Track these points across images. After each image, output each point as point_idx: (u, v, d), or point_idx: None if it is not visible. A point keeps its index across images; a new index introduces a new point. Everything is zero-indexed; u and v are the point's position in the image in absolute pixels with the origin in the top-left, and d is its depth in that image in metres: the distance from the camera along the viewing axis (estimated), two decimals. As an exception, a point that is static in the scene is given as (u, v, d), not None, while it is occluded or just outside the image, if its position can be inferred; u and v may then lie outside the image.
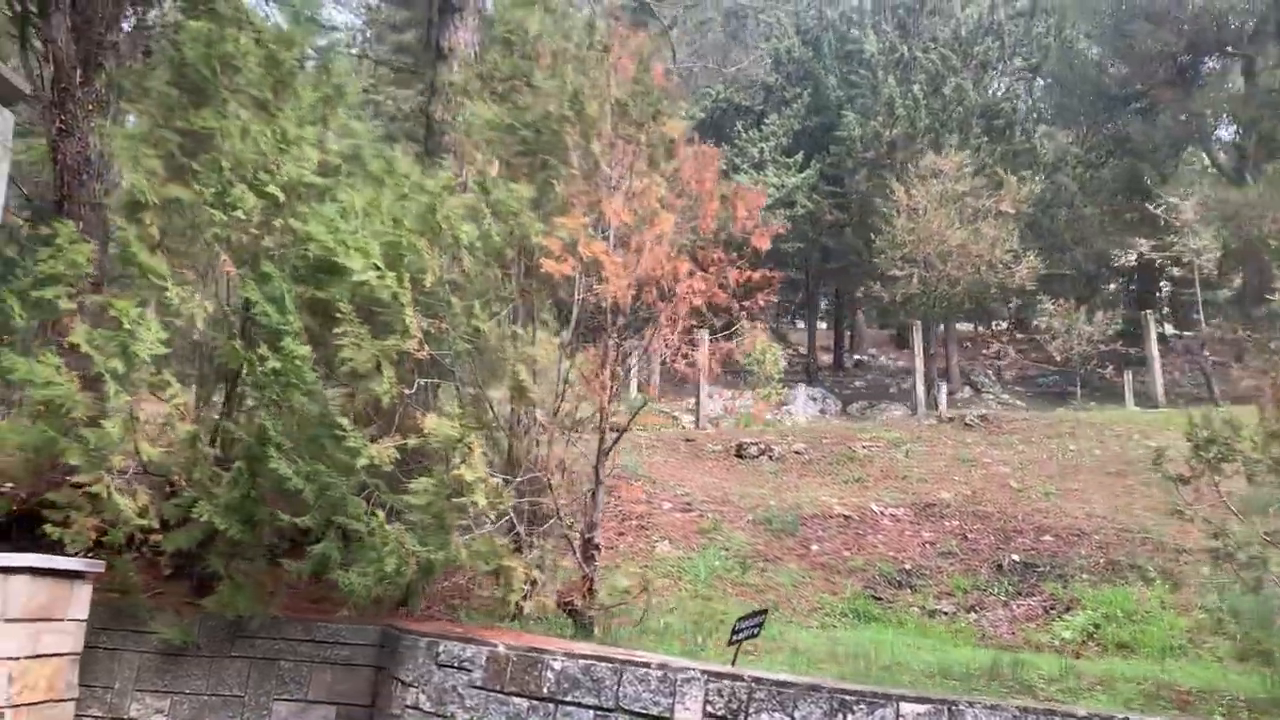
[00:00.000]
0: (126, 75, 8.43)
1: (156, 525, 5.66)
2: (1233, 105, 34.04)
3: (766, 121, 32.14)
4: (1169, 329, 30.00)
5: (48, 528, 5.67)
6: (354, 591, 5.33)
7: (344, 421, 5.36)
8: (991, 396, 23.85)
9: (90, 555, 5.87)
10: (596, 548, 5.82)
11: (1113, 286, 35.57)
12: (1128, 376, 23.76)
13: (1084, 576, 7.76)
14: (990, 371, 28.54)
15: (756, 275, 5.37)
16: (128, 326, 5.49)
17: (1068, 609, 7.24)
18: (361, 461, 5.20)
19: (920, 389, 14.70)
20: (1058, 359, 22.59)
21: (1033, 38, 31.46)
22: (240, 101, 7.00)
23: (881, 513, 9.31)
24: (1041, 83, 35.16)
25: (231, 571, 6.06)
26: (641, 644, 5.45)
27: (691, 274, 5.24)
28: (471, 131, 6.60)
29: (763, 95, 34.72)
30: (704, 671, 4.06)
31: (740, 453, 11.73)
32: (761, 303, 5.56)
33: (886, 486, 10.27)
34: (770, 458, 11.55)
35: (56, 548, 6.48)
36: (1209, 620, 6.66)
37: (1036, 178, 25.35)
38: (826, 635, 6.69)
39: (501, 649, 4.76)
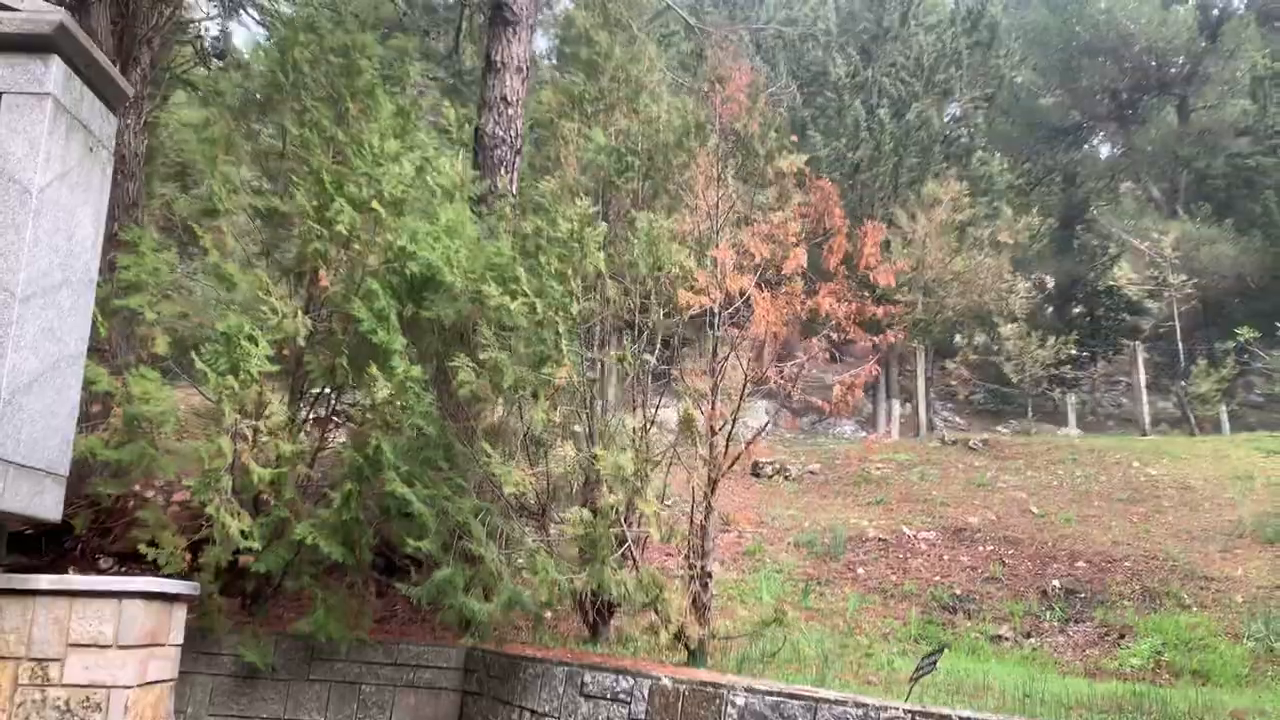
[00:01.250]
0: (183, 74, 8.10)
1: (259, 547, 5.41)
2: (1168, 141, 35.72)
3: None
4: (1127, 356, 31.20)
5: (142, 547, 5.39)
6: (476, 618, 5.20)
7: (486, 446, 5.23)
8: (941, 418, 24.49)
9: (183, 577, 5.61)
10: (709, 575, 5.80)
11: (1050, 310, 36.94)
12: (1070, 399, 24.77)
13: (1124, 603, 8.05)
14: (933, 391, 29.30)
15: (880, 310, 5.44)
16: (242, 343, 5.24)
17: (1121, 636, 7.49)
18: (508, 489, 5.07)
19: (923, 413, 15.05)
20: (1014, 380, 23.34)
21: (989, 67, 32.51)
22: (318, 111, 6.80)
23: (915, 537, 9.50)
24: (983, 112, 36.33)
25: (324, 594, 5.85)
26: (766, 674, 5.43)
27: (830, 312, 5.26)
28: (565, 154, 6.50)
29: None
30: (909, 711, 4.03)
31: (756, 472, 11.82)
32: (892, 339, 5.66)
33: (910, 510, 10.47)
34: (786, 477, 11.66)
35: (88, 563, 6.20)
36: (1259, 648, 6.98)
37: (994, 204, 26.24)
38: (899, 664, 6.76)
39: (667, 681, 4.60)
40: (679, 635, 5.51)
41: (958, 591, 8.37)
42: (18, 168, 4.54)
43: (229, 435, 5.25)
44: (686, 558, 5.75)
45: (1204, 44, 32.96)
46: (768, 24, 37.69)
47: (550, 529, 5.78)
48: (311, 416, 6.29)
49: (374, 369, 5.49)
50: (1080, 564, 8.83)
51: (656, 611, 5.01)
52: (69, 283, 5.04)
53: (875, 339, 5.33)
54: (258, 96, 6.97)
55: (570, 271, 5.37)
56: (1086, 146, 38.19)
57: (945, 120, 30.89)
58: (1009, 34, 33.07)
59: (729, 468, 5.53)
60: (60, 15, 4.62)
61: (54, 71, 4.66)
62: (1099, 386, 30.02)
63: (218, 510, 5.14)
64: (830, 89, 30.80)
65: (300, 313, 5.76)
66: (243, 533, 5.25)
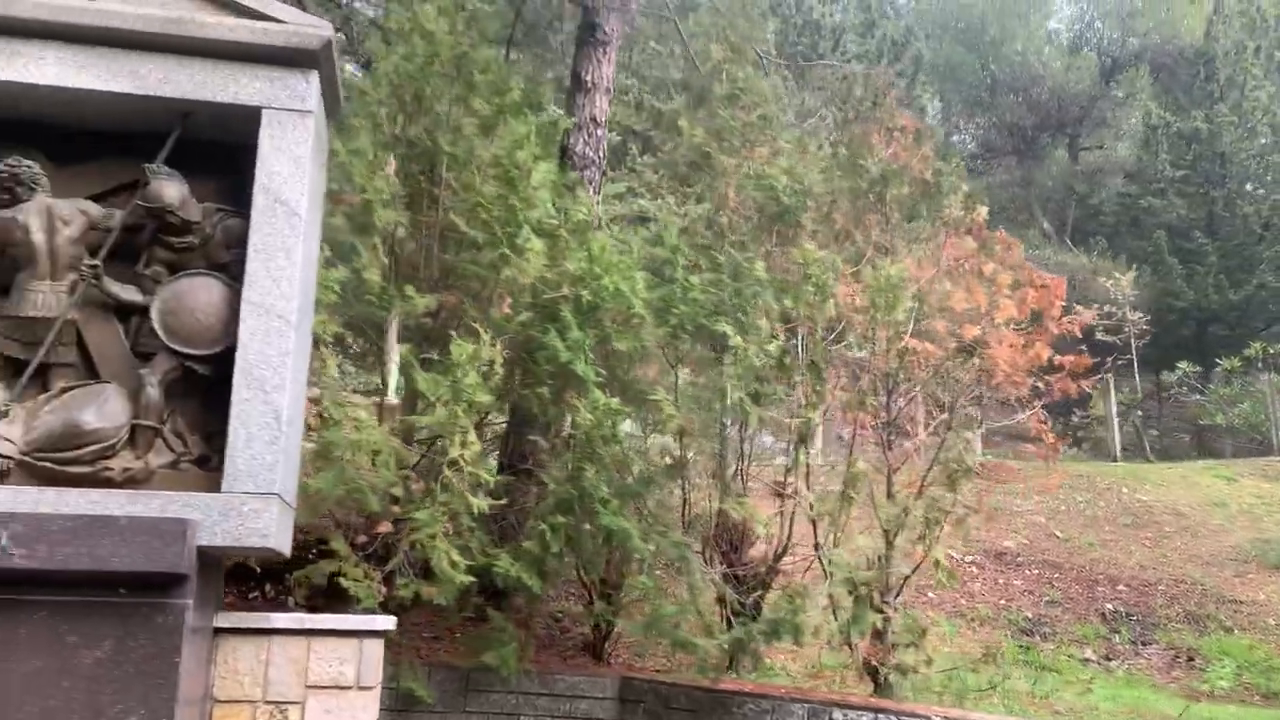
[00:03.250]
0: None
1: (467, 581, 5.17)
2: (1064, 177, 38.29)
3: (663, 150, 32.75)
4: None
5: (344, 581, 5.09)
6: (699, 654, 5.16)
7: (699, 483, 5.20)
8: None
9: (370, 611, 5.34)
10: (888, 603, 5.92)
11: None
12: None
13: (1175, 625, 8.68)
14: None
15: (1072, 361, 5.73)
16: (462, 370, 5.01)
17: (1190, 659, 8.07)
18: (759, 529, 5.06)
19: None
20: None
21: (911, 98, 34.06)
22: (465, 127, 6.61)
23: (961, 560, 9.91)
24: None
25: (504, 625, 5.67)
26: (942, 701, 5.60)
27: (1051, 361, 5.51)
28: (726, 189, 6.52)
29: (653, 121, 35.44)
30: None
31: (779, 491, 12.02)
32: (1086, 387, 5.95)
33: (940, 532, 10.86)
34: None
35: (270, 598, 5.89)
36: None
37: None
38: (1061, 691, 6.94)
39: (938, 722, 4.66)
40: (868, 666, 5.63)
41: (1028, 615, 8.82)
42: (283, 187, 4.29)
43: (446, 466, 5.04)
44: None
45: (1102, 89, 35.50)
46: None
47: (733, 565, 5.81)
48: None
49: (576, 400, 5.38)
50: (1121, 587, 9.45)
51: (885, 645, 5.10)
52: (311, 307, 4.78)
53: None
54: (396, 112, 6.71)
55: (805, 313, 5.42)
56: (988, 179, 40.43)
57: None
58: (929, 68, 34.75)
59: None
60: (328, 31, 4.38)
61: (314, 88, 4.42)
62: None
63: (435, 543, 4.91)
64: (649, 87, 31.35)
65: (493, 340, 5.58)
66: (452, 564, 5.04)
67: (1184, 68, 36.07)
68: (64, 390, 4.17)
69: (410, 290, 5.59)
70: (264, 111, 4.32)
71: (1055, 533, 11.12)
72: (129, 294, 4.30)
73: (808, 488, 5.38)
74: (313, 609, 5.52)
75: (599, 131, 8.73)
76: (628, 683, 6.13)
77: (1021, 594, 9.33)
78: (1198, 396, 19.35)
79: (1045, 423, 5.93)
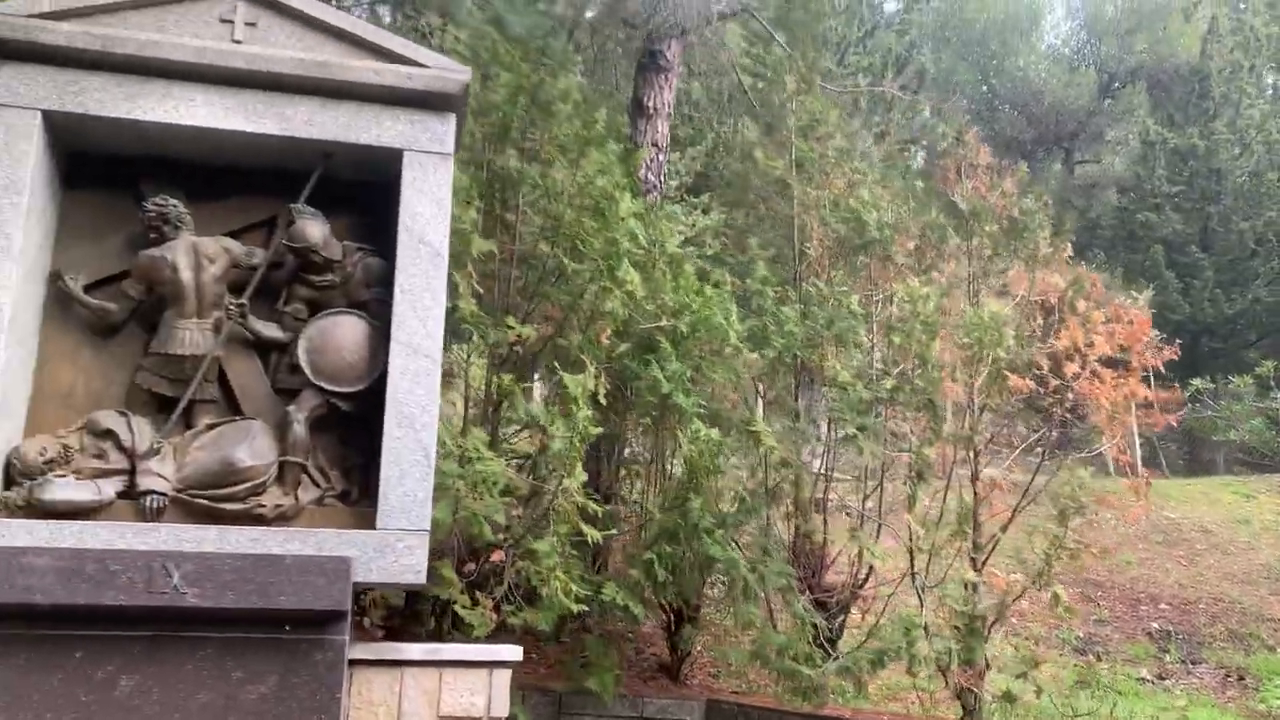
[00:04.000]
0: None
1: (576, 609, 5.26)
2: (1063, 192, 38.74)
3: (718, 178, 32.92)
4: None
5: (459, 610, 5.16)
6: (808, 681, 5.26)
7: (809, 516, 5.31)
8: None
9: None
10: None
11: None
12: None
13: (1219, 644, 8.86)
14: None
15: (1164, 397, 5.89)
16: (576, 403, 5.10)
17: (1241, 678, 8.25)
18: (876, 562, 5.17)
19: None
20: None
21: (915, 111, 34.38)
22: (549, 155, 6.70)
23: (1006, 577, 10.02)
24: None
25: (604, 650, 5.76)
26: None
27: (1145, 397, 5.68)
28: (809, 221, 6.65)
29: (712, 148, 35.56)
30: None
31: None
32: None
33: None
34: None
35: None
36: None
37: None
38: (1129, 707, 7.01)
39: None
40: (960, 692, 5.76)
41: (1079, 633, 8.98)
42: (426, 229, 4.38)
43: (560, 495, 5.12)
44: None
45: (1099, 104, 35.98)
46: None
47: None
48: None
49: (678, 430, 5.49)
50: (1163, 606, 9.64)
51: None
52: (440, 344, 4.84)
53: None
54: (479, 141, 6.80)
55: (918, 350, 5.56)
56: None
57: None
58: (933, 83, 35.11)
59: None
60: (466, 75, 4.48)
61: (452, 131, 4.51)
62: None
63: (555, 573, 4.98)
64: (705, 113, 31.65)
65: (598, 372, 5.68)
66: (565, 592, 5.12)
67: (1179, 85, 36.60)
68: (210, 427, 4.24)
69: (511, 320, 5.68)
70: (405, 154, 4.41)
71: (1091, 549, 11.27)
72: (271, 331, 4.38)
73: (916, 521, 5.50)
74: (390, 631, 5.60)
75: (660, 157, 8.85)
76: (714, 705, 6.23)
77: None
78: (1209, 413, 19.63)
79: (1126, 453, 6.10)
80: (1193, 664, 8.67)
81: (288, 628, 3.83)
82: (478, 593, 5.24)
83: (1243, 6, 37.33)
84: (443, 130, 4.48)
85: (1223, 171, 35.41)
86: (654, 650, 7.09)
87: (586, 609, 5.21)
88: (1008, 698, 5.33)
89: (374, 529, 4.08)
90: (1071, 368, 5.66)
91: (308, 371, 4.27)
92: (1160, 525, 12.33)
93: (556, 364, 5.62)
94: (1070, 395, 5.76)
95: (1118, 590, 10.07)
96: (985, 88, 35.93)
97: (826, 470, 6.36)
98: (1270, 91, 34.84)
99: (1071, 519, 5.57)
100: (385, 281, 4.46)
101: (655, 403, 5.73)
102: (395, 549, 4.04)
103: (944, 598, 5.54)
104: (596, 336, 5.88)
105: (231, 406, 4.35)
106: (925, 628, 5.55)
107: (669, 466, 5.87)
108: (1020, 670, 5.48)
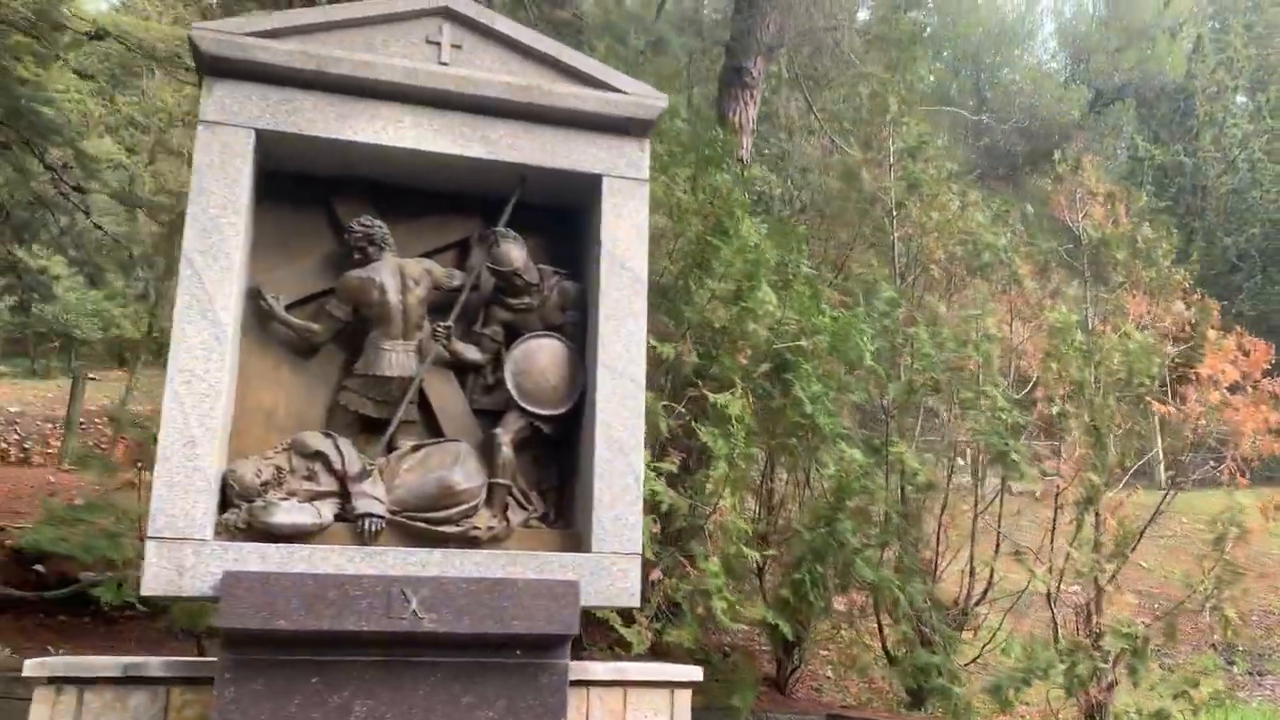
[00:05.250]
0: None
1: (729, 621, 5.29)
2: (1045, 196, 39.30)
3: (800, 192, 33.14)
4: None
5: (619, 628, 5.18)
6: (956, 701, 5.36)
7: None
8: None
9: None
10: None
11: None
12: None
13: (1279, 657, 9.10)
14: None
15: None
16: (735, 425, 5.14)
17: None
18: (1039, 585, 5.28)
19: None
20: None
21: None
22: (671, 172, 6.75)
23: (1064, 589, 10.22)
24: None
25: (750, 667, 5.82)
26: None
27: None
28: (929, 244, 6.76)
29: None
30: None
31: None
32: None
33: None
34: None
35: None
36: None
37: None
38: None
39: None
40: (1091, 707, 5.90)
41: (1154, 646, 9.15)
42: (626, 254, 4.41)
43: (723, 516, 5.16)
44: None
45: (1090, 120, 36.65)
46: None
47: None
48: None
49: (822, 451, 5.56)
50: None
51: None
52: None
53: None
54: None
55: (1075, 376, 5.67)
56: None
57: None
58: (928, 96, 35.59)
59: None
60: (664, 102, 4.52)
61: (646, 157, 4.55)
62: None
63: (720, 593, 5.02)
64: (781, 130, 32.01)
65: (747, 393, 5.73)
66: (725, 613, 5.17)
67: (1165, 103, 37.42)
68: (415, 448, 4.24)
69: (653, 341, 5.71)
70: (604, 179, 4.43)
71: (1140, 563, 11.55)
72: (472, 353, 4.39)
73: (1072, 544, 5.63)
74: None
75: (745, 173, 8.91)
76: (835, 718, 6.31)
77: (1141, 623, 9.66)
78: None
79: (1244, 474, 6.28)
80: (1259, 676, 8.90)
81: (519, 652, 3.85)
82: (634, 610, 5.27)
83: (1217, 27, 38.28)
84: (639, 156, 4.51)
85: (1208, 188, 36.24)
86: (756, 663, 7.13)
87: (744, 628, 5.27)
88: (1160, 716, 5.46)
89: (587, 551, 4.10)
90: (1214, 394, 5.82)
91: (514, 394, 4.28)
92: (1195, 537, 12.60)
93: (699, 383, 5.66)
94: (1202, 421, 5.92)
95: (1165, 599, 10.28)
96: (975, 101, 36.45)
97: (972, 491, 6.45)
98: (1254, 111, 35.68)
99: (1228, 541, 5.71)
100: (579, 305, 4.49)
101: (798, 423, 5.79)
102: (610, 572, 4.06)
103: (1113, 621, 5.64)
104: (737, 357, 5.93)
105: (430, 428, 4.35)
106: (1072, 648, 5.66)
107: (812, 486, 5.92)
108: (1179, 689, 5.63)
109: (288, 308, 4.27)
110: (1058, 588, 6.20)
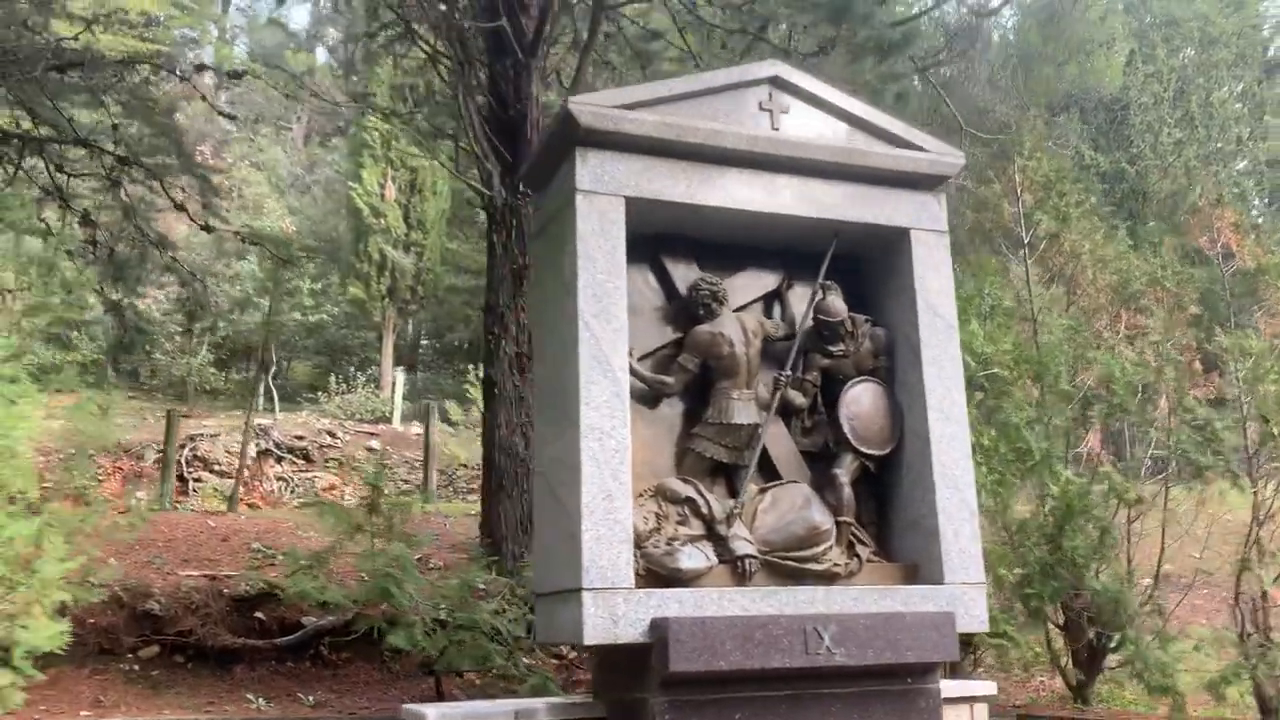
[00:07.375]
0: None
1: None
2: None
3: None
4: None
5: None
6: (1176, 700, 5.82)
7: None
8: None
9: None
10: None
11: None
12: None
13: None
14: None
15: None
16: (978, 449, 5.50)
17: None
18: None
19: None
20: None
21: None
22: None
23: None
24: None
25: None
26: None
27: None
28: (1080, 272, 7.27)
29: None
30: None
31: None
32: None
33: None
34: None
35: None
36: None
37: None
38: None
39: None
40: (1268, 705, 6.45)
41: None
42: (939, 302, 4.75)
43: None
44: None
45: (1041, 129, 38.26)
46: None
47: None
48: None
49: (1044, 475, 5.97)
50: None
51: None
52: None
53: None
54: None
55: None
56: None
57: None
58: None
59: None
60: (962, 160, 4.88)
61: (945, 211, 4.90)
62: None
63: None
64: None
65: None
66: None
67: (1103, 113, 39.33)
68: (761, 490, 4.50)
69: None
70: (912, 232, 4.77)
71: (1193, 554, 12.30)
72: (799, 399, 4.67)
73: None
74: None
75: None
76: (1025, 717, 6.72)
77: (1203, 620, 10.38)
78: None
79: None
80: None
81: (909, 679, 4.15)
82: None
83: (1149, 40, 40.38)
84: (939, 210, 4.86)
85: (1148, 194, 38.15)
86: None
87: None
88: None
89: (927, 583, 4.42)
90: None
91: (850, 437, 4.58)
92: (1230, 529, 13.49)
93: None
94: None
95: (1226, 592, 11.01)
96: (931, 106, 37.64)
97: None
98: (1186, 121, 37.70)
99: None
100: (889, 350, 4.81)
101: (1017, 449, 6.20)
102: (963, 601, 4.38)
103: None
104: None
105: (765, 470, 4.61)
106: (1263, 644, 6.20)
107: (1039, 507, 6.32)
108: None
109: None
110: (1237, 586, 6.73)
